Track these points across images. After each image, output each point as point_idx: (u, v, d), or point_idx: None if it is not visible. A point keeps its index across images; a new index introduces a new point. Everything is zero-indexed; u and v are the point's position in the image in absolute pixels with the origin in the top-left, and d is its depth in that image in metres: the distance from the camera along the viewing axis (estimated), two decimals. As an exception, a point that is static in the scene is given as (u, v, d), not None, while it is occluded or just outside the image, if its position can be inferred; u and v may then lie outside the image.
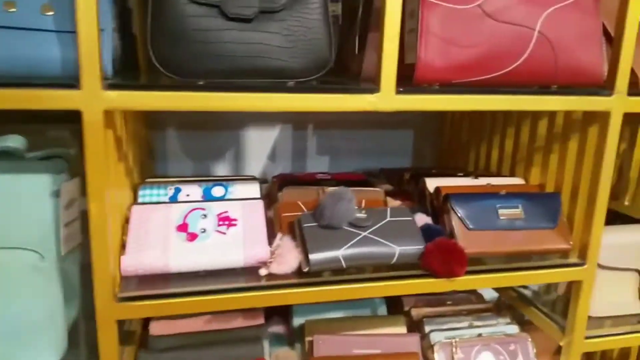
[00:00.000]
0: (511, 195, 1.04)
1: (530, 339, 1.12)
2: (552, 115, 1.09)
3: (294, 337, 1.14)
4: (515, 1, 0.87)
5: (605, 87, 0.92)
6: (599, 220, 0.98)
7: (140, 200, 0.97)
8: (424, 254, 0.93)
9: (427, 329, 1.18)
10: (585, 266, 1.00)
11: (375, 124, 1.54)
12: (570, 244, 1.01)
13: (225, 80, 0.76)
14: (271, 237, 0.92)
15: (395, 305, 1.27)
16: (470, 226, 0.99)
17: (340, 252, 0.90)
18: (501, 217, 1.01)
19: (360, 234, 0.93)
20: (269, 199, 1.10)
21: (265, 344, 1.09)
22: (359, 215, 0.95)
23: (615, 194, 1.45)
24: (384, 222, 0.97)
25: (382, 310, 1.25)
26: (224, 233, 0.90)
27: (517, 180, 1.17)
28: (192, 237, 0.88)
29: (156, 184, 1.01)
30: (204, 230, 0.89)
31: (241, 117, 1.44)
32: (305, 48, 0.78)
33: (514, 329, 1.17)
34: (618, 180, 1.44)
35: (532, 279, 0.98)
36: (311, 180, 1.17)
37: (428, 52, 0.85)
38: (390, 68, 0.81)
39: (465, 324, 1.19)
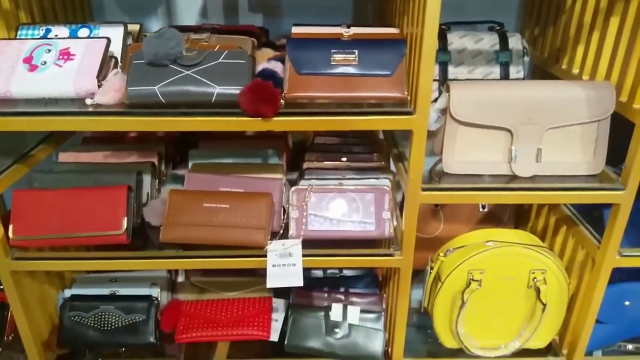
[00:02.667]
0: (353, 41, 1.00)
1: (389, 191, 1.13)
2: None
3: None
4: None
5: None
6: (426, 69, 0.91)
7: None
8: (239, 94, 0.95)
9: (305, 177, 1.24)
10: (415, 115, 0.96)
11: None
12: (405, 94, 0.97)
13: None
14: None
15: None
16: (301, 70, 0.99)
17: (157, 87, 0.96)
18: (333, 62, 0.98)
19: (182, 72, 0.98)
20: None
21: (146, 178, 1.24)
22: (186, 54, 0.99)
23: (557, 57, 1.30)
24: (214, 62, 1.00)
25: (274, 160, 1.32)
26: (60, 66, 1.00)
27: (390, 30, 1.10)
28: (33, 68, 1.00)
29: (32, 24, 1.11)
30: (44, 63, 1.00)
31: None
32: None
33: (384, 182, 1.18)
34: (561, 43, 1.28)
35: (355, 125, 0.97)
36: (191, 29, 1.20)
37: None
38: None
39: (340, 176, 1.22)
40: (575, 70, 1.19)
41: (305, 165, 1.30)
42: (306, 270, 1.40)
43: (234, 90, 0.96)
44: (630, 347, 1.38)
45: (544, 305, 1.14)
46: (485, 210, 1.43)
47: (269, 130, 1.40)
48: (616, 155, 1.06)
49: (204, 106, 0.97)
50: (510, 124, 1.03)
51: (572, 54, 1.21)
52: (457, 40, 1.30)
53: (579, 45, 1.18)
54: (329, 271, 1.44)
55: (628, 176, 1.00)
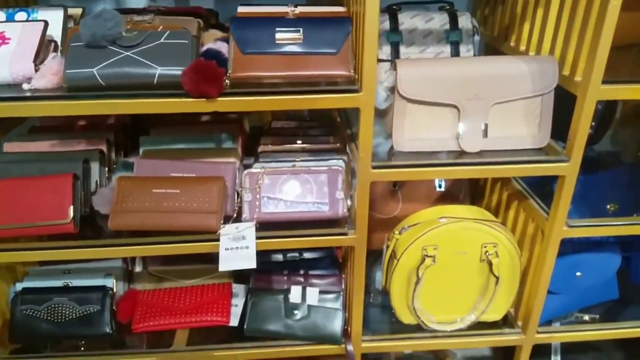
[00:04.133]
0: (298, 20, 0.98)
1: (342, 171, 1.13)
2: None
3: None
4: None
5: None
6: (369, 47, 0.91)
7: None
8: (182, 74, 0.93)
9: (260, 161, 1.23)
10: (361, 93, 0.95)
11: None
12: (351, 72, 0.97)
13: None
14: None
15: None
16: (245, 50, 0.97)
17: (96, 70, 0.93)
18: (278, 41, 0.97)
19: (122, 54, 0.95)
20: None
21: (95, 167, 1.20)
22: (126, 34, 0.96)
23: (506, 35, 1.32)
24: (155, 43, 0.97)
25: (228, 144, 1.30)
26: (-6, 51, 0.96)
27: (337, 8, 1.09)
28: (-34, 52, 0.95)
29: (-35, 8, 1.06)
30: (-22, 47, 0.96)
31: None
32: None
33: (338, 163, 1.18)
34: (509, 20, 1.30)
35: (301, 103, 0.96)
36: (135, 12, 1.17)
37: None
38: None
39: (294, 158, 1.22)
40: (523, 47, 1.21)
41: (260, 148, 1.29)
42: (266, 255, 1.42)
43: (177, 70, 0.94)
44: (586, 317, 1.42)
45: (497, 278, 1.17)
46: (442, 189, 1.45)
47: (224, 115, 1.43)
48: (564, 129, 1.08)
49: (146, 88, 0.95)
50: (456, 101, 1.04)
51: (519, 31, 1.22)
52: (408, 21, 1.30)
53: (525, 22, 1.20)
54: (289, 255, 1.43)
55: (572, 148, 1.03)
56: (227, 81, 0.96)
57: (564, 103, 1.06)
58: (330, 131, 1.38)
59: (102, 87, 0.95)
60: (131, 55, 0.95)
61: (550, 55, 1.07)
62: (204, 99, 0.94)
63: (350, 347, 1.23)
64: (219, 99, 0.94)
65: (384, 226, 1.38)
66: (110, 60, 0.94)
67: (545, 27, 1.11)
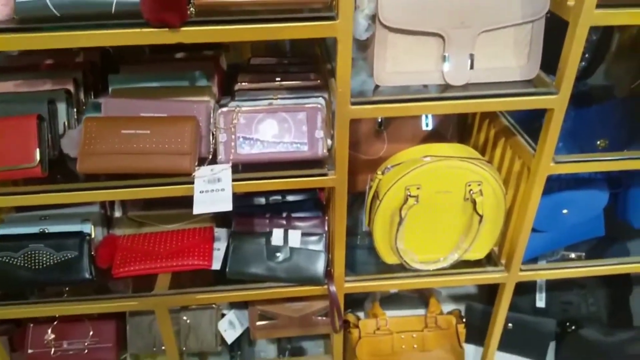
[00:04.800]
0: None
1: (321, 109, 1.08)
2: None
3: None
4: None
5: None
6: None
7: None
8: (140, 2, 0.86)
9: (236, 99, 1.17)
10: (338, 21, 0.88)
11: None
12: (326, -6, 0.89)
13: None
14: None
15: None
16: (211, -25, 0.88)
17: (48, -2, 0.86)
18: (246, -37, 0.88)
19: (75, -20, 0.87)
20: None
21: (62, 107, 1.14)
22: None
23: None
24: (111, -31, 0.88)
25: (202, 82, 1.23)
26: None
27: None
28: None
29: None
30: None
31: None
32: None
33: (318, 100, 1.12)
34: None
35: (272, 33, 0.89)
36: None
37: None
38: None
39: (272, 96, 1.16)
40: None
41: (237, 86, 1.22)
42: (249, 198, 1.39)
43: (136, -2, 0.86)
44: (572, 255, 1.42)
45: (481, 216, 1.14)
46: (429, 128, 1.40)
47: (199, 52, 1.35)
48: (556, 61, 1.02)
49: (104, 18, 0.87)
50: (441, 29, 0.97)
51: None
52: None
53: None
54: (271, 198, 1.40)
55: (562, 79, 0.97)
56: (192, 9, 0.88)
57: (556, 33, 1.00)
58: (311, 67, 1.31)
59: (57, 18, 0.87)
60: (83, -13, 0.86)
61: (542, -22, 0.99)
62: (167, 29, 0.87)
63: (332, 288, 1.22)
64: (182, 28, 0.87)
65: (370, 167, 1.34)
66: (63, -12, 0.86)
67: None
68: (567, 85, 0.97)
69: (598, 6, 0.89)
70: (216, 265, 1.28)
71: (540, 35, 0.98)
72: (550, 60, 1.03)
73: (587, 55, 1.32)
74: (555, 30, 1.00)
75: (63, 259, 1.21)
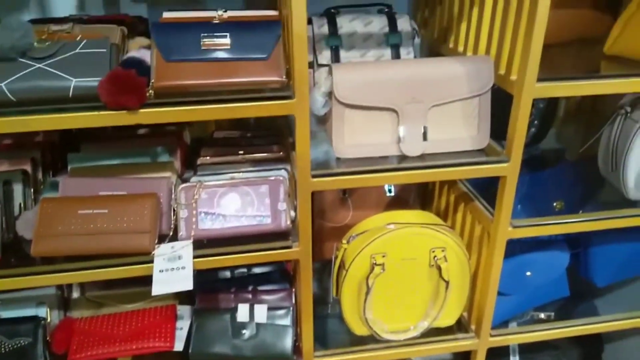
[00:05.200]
0: (225, 24, 0.94)
1: (284, 181, 1.09)
2: None
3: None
4: None
5: None
6: (299, 50, 0.87)
7: None
8: (98, 86, 0.87)
9: (198, 174, 1.17)
10: (294, 99, 0.91)
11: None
12: (283, 77, 0.93)
13: None
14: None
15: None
16: (169, 57, 0.91)
17: (4, 84, 0.86)
18: (204, 47, 0.92)
19: (33, 66, 0.88)
20: None
21: (18, 188, 1.12)
22: (38, 45, 0.89)
23: (445, 36, 1.31)
24: (70, 53, 0.91)
25: (164, 157, 1.23)
26: None
27: (268, 12, 1.05)
28: None
29: None
30: None
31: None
32: None
33: (280, 173, 1.14)
34: (448, 22, 1.29)
35: (231, 113, 0.91)
36: (54, 21, 1.09)
37: None
38: None
39: (235, 169, 1.17)
40: (461, 48, 1.20)
41: (199, 161, 1.23)
42: (214, 273, 1.36)
43: (93, 82, 0.88)
44: (542, 315, 1.42)
45: (447, 282, 1.14)
46: (392, 194, 1.43)
47: (162, 127, 1.36)
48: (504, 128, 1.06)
49: (61, 102, 0.88)
50: (394, 104, 1.01)
51: (457, 32, 1.22)
52: (347, 24, 1.27)
53: (462, 23, 1.19)
54: (236, 271, 1.37)
55: (511, 148, 1.01)
56: (150, 91, 0.90)
57: (505, 101, 1.05)
58: (275, 139, 1.34)
59: (13, 103, 0.87)
60: (43, 67, 0.88)
61: (485, 55, 1.06)
62: (125, 111, 0.88)
63: (301, 365, 1.18)
64: (141, 110, 0.88)
65: (336, 235, 1.34)
66: (21, 74, 0.87)
67: (480, 26, 1.10)
68: (517, 153, 1.01)
69: (539, 80, 0.95)
70: (179, 346, 1.22)
71: (488, 107, 1.03)
72: (504, 126, 1.08)
73: (536, 122, 1.39)
74: (503, 98, 1.05)
75: (16, 346, 1.14)
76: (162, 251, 1.02)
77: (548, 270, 1.29)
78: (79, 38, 0.94)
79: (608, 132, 1.13)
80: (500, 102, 1.05)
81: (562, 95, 0.96)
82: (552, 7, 1.02)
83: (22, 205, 1.12)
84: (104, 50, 0.92)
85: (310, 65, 1.27)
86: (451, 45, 1.26)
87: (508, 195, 1.05)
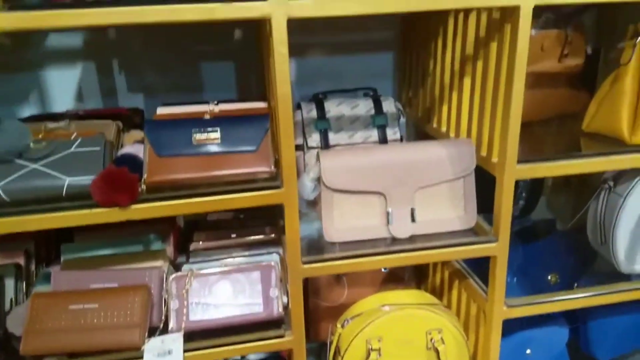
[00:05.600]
0: (215, 119, 0.98)
1: (277, 266, 1.09)
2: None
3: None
4: None
5: None
6: (286, 142, 0.90)
7: None
8: (91, 184, 0.89)
9: (190, 261, 1.17)
10: (283, 189, 0.94)
11: (193, 55, 1.47)
12: (272, 167, 0.95)
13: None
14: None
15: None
16: (161, 152, 0.95)
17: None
18: (195, 142, 0.95)
19: (28, 167, 0.91)
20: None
21: (9, 283, 1.12)
22: (34, 146, 0.93)
23: (428, 116, 1.36)
24: (65, 153, 0.94)
25: (157, 245, 1.24)
26: None
27: (258, 105, 1.10)
28: None
29: None
30: None
31: (41, 57, 1.40)
32: None
33: (272, 257, 1.14)
34: (430, 103, 1.34)
35: (222, 204, 0.93)
36: (52, 117, 1.14)
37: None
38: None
39: (227, 255, 1.17)
40: (444, 128, 1.24)
41: (192, 246, 1.24)
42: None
43: (87, 180, 0.90)
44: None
45: (445, 366, 1.11)
46: (387, 270, 1.42)
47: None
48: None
49: (55, 200, 0.90)
50: (381, 188, 1.04)
51: (440, 113, 1.26)
52: (334, 108, 1.33)
53: (444, 105, 1.24)
54: (231, 358, 1.34)
55: (499, 228, 1.03)
56: (142, 186, 0.92)
57: (491, 174, 1.07)
58: (268, 221, 1.35)
59: (7, 203, 0.89)
60: (39, 167, 0.91)
61: (467, 138, 1.10)
62: (117, 208, 0.90)
63: None
64: (132, 206, 0.90)
65: (332, 314, 1.32)
66: (16, 175, 0.90)
67: (461, 109, 1.14)
68: (504, 232, 1.03)
69: (520, 162, 0.98)
70: None
71: (473, 188, 1.05)
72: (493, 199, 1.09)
73: (524, 194, 1.41)
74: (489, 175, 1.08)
75: None
76: (152, 346, 1.00)
77: (548, 347, 1.26)
78: (74, 136, 0.98)
79: (594, 206, 1.14)
80: (488, 174, 1.08)
81: (544, 176, 0.98)
82: (530, 88, 1.07)
83: (13, 300, 1.12)
84: (98, 148, 0.95)
85: (300, 148, 1.32)
86: (435, 125, 1.30)
87: (500, 275, 1.05)
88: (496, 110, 0.99)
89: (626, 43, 1.03)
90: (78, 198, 0.90)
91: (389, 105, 1.33)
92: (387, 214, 1.05)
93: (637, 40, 1.00)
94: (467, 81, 1.11)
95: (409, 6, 0.84)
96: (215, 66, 1.48)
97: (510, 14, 0.90)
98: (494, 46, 0.98)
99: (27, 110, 1.44)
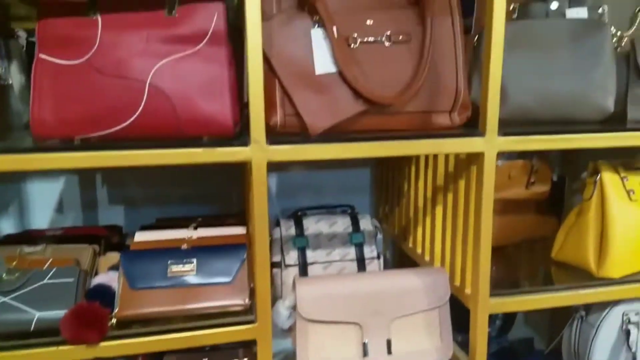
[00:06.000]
0: (192, 250, 0.99)
1: None
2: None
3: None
4: (127, 55, 0.84)
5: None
6: (262, 275, 0.91)
7: None
8: (60, 320, 0.88)
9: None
10: (257, 324, 0.93)
11: (177, 171, 1.50)
12: (245, 300, 0.95)
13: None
14: None
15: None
16: (135, 285, 0.94)
17: (-36, 322, 0.86)
18: (170, 274, 0.95)
19: (-2, 300, 0.89)
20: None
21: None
22: (6, 277, 0.92)
23: (404, 235, 1.38)
24: (37, 284, 0.93)
25: (126, 369, 1.19)
26: None
27: (237, 230, 1.12)
28: None
29: None
30: None
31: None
32: None
33: None
34: (405, 222, 1.38)
35: (193, 341, 0.92)
36: (31, 237, 1.14)
37: (40, 109, 0.84)
38: None
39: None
40: (419, 250, 1.27)
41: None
42: None
43: (57, 314, 0.89)
44: None
45: None
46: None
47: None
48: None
49: (22, 336, 0.88)
50: (358, 318, 1.03)
51: (415, 234, 1.30)
52: (312, 225, 1.35)
53: (418, 227, 1.27)
54: None
55: (474, 358, 1.02)
56: (113, 321, 0.91)
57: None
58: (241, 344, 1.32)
59: (-30, 340, 0.86)
60: (8, 301, 0.89)
61: (441, 267, 1.12)
62: (85, 345, 0.87)
63: None
64: (101, 344, 0.88)
65: None
66: (-17, 310, 0.88)
67: (434, 235, 1.17)
68: (481, 363, 1.02)
69: (493, 295, 1.00)
70: None
71: (448, 317, 1.06)
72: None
73: (501, 314, 1.42)
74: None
75: None
76: None
77: None
78: (47, 264, 0.97)
79: (567, 334, 1.15)
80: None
81: (518, 310, 1.00)
82: (499, 214, 1.11)
83: None
84: (72, 279, 0.94)
85: (278, 265, 1.32)
86: (410, 245, 1.33)
87: (477, 410, 1.02)
88: (467, 240, 1.03)
89: (587, 179, 1.09)
90: (47, 334, 0.88)
91: (366, 223, 1.36)
92: (364, 345, 1.03)
93: (597, 178, 1.06)
94: (438, 209, 1.15)
95: (381, 152, 0.90)
96: (197, 182, 1.52)
97: (475, 158, 0.96)
98: (462, 182, 1.03)
99: (6, 223, 1.44)
